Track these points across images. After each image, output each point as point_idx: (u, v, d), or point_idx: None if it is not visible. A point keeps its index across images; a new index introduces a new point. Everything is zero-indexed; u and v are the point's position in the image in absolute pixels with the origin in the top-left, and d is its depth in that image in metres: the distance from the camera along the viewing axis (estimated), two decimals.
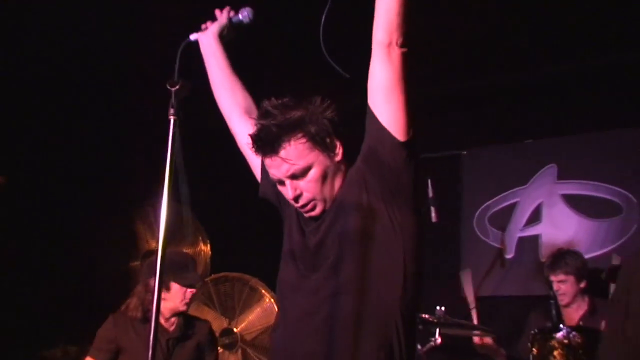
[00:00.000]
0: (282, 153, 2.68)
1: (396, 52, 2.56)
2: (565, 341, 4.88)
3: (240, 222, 7.42)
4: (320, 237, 2.75)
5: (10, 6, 5.89)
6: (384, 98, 2.62)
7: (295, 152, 2.68)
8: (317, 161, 2.69)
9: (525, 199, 6.77)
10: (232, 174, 7.19)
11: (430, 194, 5.75)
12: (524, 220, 6.73)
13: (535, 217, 6.70)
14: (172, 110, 2.58)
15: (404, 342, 2.64)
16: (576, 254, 5.76)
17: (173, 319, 4.95)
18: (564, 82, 6.55)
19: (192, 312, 5.39)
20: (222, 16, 3.26)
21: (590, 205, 6.50)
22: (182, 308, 4.93)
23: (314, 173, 2.70)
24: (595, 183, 6.49)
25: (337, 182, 2.76)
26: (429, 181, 5.79)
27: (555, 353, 4.88)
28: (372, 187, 2.67)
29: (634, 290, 3.41)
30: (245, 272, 6.82)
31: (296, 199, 2.73)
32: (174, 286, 4.88)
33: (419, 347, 5.43)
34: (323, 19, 3.81)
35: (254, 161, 3.09)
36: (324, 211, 2.76)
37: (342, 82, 2.97)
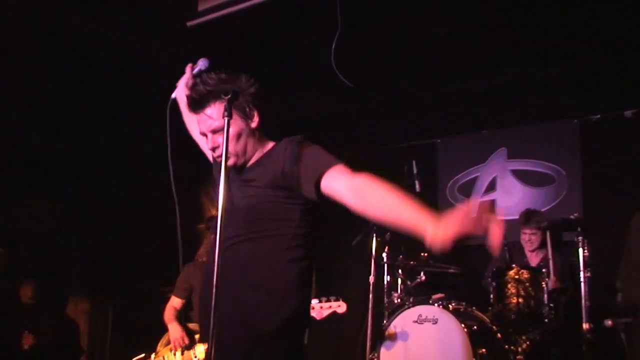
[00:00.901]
0: (207, 111, 2.65)
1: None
2: (516, 276, 5.11)
3: None
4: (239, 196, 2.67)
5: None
6: (330, 194, 2.57)
7: (218, 113, 2.62)
8: (235, 123, 2.61)
9: (484, 173, 6.88)
10: None
11: (415, 171, 5.90)
12: (483, 189, 6.85)
13: (491, 187, 6.82)
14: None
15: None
16: (541, 214, 5.93)
17: None
18: (510, 86, 6.63)
19: None
20: (187, 73, 3.12)
21: (532, 177, 6.63)
22: None
23: (232, 138, 2.62)
24: (535, 161, 6.63)
25: (250, 143, 2.70)
26: (414, 162, 5.94)
27: (509, 286, 5.09)
28: (284, 177, 2.59)
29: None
30: None
31: (214, 149, 2.69)
32: None
33: (408, 282, 5.66)
34: (335, 41, 3.93)
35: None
36: (234, 164, 2.69)
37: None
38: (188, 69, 3.12)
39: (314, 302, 4.88)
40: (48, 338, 7.04)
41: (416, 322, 5.10)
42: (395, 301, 5.49)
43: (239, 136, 2.67)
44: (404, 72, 6.40)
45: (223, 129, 2.52)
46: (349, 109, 7.23)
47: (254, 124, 2.72)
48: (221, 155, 2.54)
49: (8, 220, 7.48)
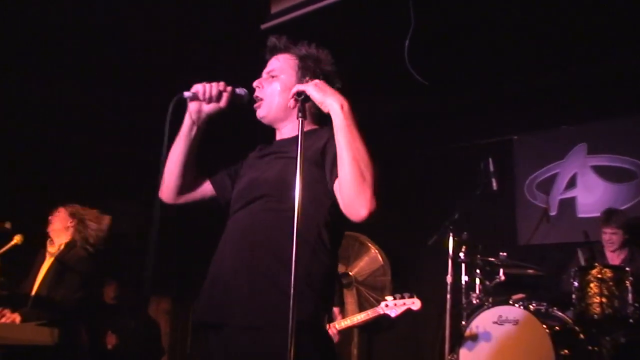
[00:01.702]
0: (276, 58, 2.62)
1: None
2: (599, 275, 4.95)
3: None
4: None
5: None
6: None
7: (281, 63, 2.59)
8: (289, 81, 2.54)
9: (564, 170, 6.66)
10: None
11: (492, 169, 5.77)
12: (563, 186, 6.63)
13: (571, 183, 6.60)
14: None
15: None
16: (623, 213, 5.75)
17: None
18: (588, 80, 6.42)
19: None
20: (223, 100, 2.58)
21: (612, 172, 6.40)
22: None
23: (279, 80, 2.57)
24: (616, 156, 6.39)
25: (291, 105, 2.48)
26: (490, 160, 5.83)
27: (592, 285, 4.92)
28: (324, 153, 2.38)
29: None
30: (356, 231, 6.95)
31: (255, 89, 2.60)
32: None
33: (487, 282, 5.54)
34: (408, 39, 3.88)
35: (220, 189, 2.72)
36: (264, 116, 2.57)
37: None
38: (223, 85, 2.59)
39: (389, 299, 4.84)
40: (130, 338, 7.15)
41: (496, 323, 5.01)
42: (474, 301, 5.38)
43: (284, 90, 2.54)
44: (478, 68, 6.29)
45: (279, 74, 2.55)
46: (422, 107, 7.14)
47: None
48: (259, 98, 2.55)
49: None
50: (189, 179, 2.67)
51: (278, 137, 2.65)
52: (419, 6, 4.31)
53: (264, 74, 2.64)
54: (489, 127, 6.95)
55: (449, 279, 5.44)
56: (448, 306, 5.41)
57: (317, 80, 2.38)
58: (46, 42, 5.91)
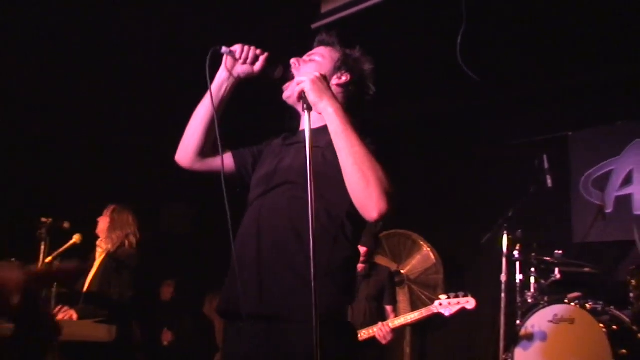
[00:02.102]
0: (320, 47, 2.66)
1: None
2: None
3: (403, 189, 7.48)
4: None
5: None
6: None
7: (325, 51, 2.62)
8: (325, 67, 2.56)
9: (619, 166, 6.48)
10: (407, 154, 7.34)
11: (546, 166, 5.73)
12: (619, 182, 6.45)
13: (628, 180, 6.42)
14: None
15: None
16: None
17: (361, 265, 5.03)
18: None
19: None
20: (257, 64, 2.54)
21: None
22: (361, 258, 5.01)
23: (315, 63, 2.59)
24: None
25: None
26: (545, 157, 5.77)
27: None
28: None
29: None
30: (408, 229, 6.95)
31: (293, 63, 2.60)
32: None
33: (542, 281, 5.46)
34: (460, 35, 3.84)
35: (240, 165, 2.71)
36: (288, 96, 2.56)
37: None
38: (261, 51, 2.56)
39: (443, 298, 4.81)
40: (186, 335, 7.25)
41: (552, 322, 4.94)
42: (529, 300, 5.32)
43: (318, 70, 2.46)
44: (532, 63, 6.21)
45: (317, 59, 2.58)
46: (475, 104, 7.08)
47: (340, 80, 2.59)
48: (291, 76, 2.53)
49: (151, 224, 7.79)
50: (209, 142, 2.64)
51: (302, 126, 2.61)
52: (470, 2, 4.26)
53: (305, 56, 2.66)
54: (543, 123, 6.84)
55: (503, 277, 5.39)
56: (502, 305, 5.35)
57: (317, 75, 2.29)
58: (105, 45, 6.01)
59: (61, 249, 4.75)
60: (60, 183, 7.15)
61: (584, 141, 6.81)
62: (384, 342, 4.85)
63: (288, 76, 2.56)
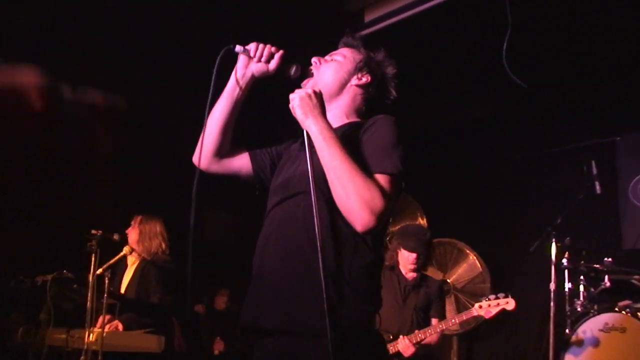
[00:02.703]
0: (344, 47, 2.61)
1: None
2: None
3: (448, 197, 7.44)
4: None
5: None
6: None
7: (348, 52, 2.57)
8: (346, 67, 2.53)
9: None
10: (445, 168, 7.28)
11: (595, 171, 5.65)
12: None
13: None
14: None
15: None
16: None
17: (412, 273, 5.03)
18: None
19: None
20: (273, 63, 2.48)
21: None
22: (411, 267, 5.00)
23: (337, 62, 2.55)
24: None
25: (343, 95, 2.51)
26: (593, 162, 5.70)
27: None
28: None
29: None
30: (453, 237, 6.90)
31: (314, 62, 2.55)
32: (402, 251, 5.03)
33: (591, 289, 5.36)
34: (505, 41, 3.78)
35: (259, 166, 2.67)
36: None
37: None
38: (276, 49, 2.50)
39: (482, 300, 4.76)
40: (237, 345, 7.28)
41: (602, 330, 4.86)
42: (578, 309, 5.23)
43: (338, 70, 2.52)
44: (578, 67, 6.12)
45: (339, 58, 2.53)
46: (521, 110, 7.00)
47: (359, 82, 2.54)
48: (310, 73, 2.49)
49: (201, 234, 7.84)
50: (227, 143, 2.61)
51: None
52: (515, 7, 4.22)
53: (327, 55, 2.61)
54: (591, 128, 6.74)
55: (552, 286, 5.30)
56: (552, 314, 5.26)
57: (308, 92, 2.25)
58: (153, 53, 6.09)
59: (111, 261, 4.82)
60: (108, 195, 7.23)
61: (632, 146, 6.69)
62: (405, 354, 4.77)
63: (307, 74, 2.51)
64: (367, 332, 2.22)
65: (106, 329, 4.54)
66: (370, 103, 2.56)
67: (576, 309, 5.24)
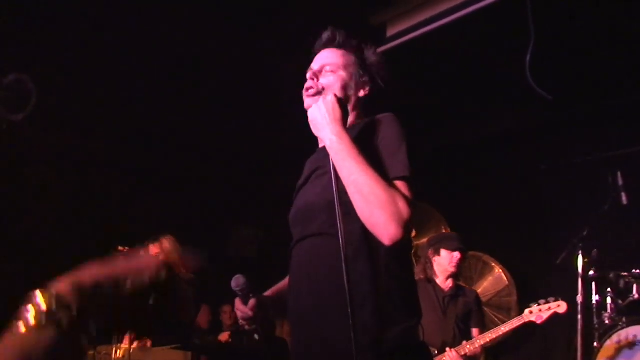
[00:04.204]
0: (331, 51, 2.52)
1: None
2: None
3: (473, 210, 7.39)
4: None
5: None
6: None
7: (335, 56, 2.49)
8: (343, 75, 2.44)
9: None
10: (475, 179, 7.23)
11: (621, 182, 5.57)
12: None
13: None
14: None
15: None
16: None
17: (448, 282, 4.97)
18: None
19: None
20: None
21: None
22: (451, 270, 4.92)
23: (336, 77, 2.44)
24: None
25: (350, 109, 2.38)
26: (619, 173, 5.63)
27: None
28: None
29: None
30: (479, 251, 6.84)
31: (308, 89, 2.45)
32: (443, 252, 4.95)
33: (619, 301, 5.29)
34: (529, 53, 3.76)
35: None
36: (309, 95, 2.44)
37: None
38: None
39: (533, 306, 4.69)
40: (260, 357, 7.26)
41: (631, 343, 4.76)
42: (606, 322, 5.17)
43: (342, 88, 2.43)
44: (603, 76, 6.08)
45: (336, 70, 2.43)
46: (546, 121, 6.95)
47: (361, 94, 2.48)
48: (311, 88, 2.42)
49: (220, 247, 7.88)
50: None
51: (321, 143, 2.50)
52: (539, 19, 4.20)
53: (318, 66, 2.50)
54: (616, 139, 6.67)
55: (579, 298, 5.23)
56: (579, 327, 5.18)
57: (330, 100, 2.22)
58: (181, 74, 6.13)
59: None
60: (135, 212, 7.28)
61: None
62: None
63: (308, 90, 2.45)
64: (414, 346, 2.20)
65: (134, 345, 4.55)
66: (367, 102, 2.50)
67: (604, 321, 5.19)
